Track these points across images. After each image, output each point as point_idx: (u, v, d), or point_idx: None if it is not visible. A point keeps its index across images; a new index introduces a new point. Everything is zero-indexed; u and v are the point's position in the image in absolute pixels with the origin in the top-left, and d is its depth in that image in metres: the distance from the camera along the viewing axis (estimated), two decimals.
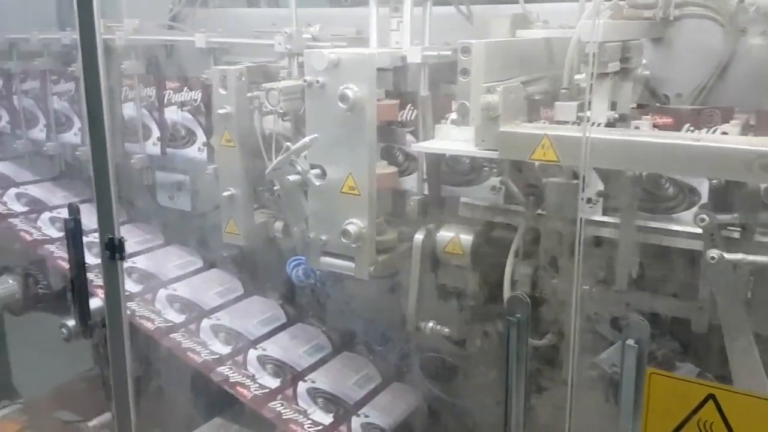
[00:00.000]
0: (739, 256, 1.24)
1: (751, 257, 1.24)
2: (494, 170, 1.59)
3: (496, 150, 1.34)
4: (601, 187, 1.46)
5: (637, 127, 1.31)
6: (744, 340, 1.29)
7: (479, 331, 1.72)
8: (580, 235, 1.21)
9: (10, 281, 2.33)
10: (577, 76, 1.38)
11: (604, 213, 1.48)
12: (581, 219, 1.22)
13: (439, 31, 1.74)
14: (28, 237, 2.28)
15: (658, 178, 1.47)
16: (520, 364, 1.25)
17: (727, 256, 1.24)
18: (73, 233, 1.82)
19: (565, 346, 1.55)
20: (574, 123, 1.39)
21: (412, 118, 1.74)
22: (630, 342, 1.19)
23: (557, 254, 1.50)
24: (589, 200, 1.47)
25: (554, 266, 1.54)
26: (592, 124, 1.30)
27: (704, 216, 1.28)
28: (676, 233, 1.44)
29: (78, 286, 1.86)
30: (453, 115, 1.49)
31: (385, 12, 1.76)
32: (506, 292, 1.52)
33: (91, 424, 2.21)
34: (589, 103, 1.29)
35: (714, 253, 1.24)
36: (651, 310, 1.49)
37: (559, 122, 1.41)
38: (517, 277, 1.56)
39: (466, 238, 1.65)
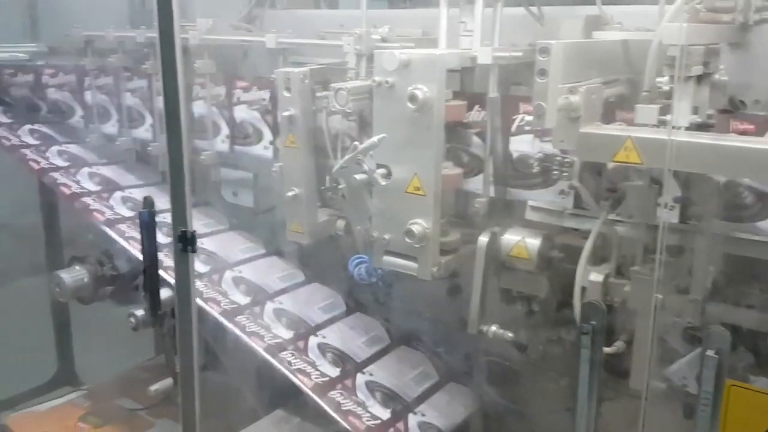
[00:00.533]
0: None
1: None
2: (564, 173, 1.56)
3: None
4: (678, 192, 1.42)
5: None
6: None
7: (543, 337, 1.69)
8: (662, 241, 1.18)
9: (82, 271, 2.41)
10: (658, 79, 1.34)
11: (681, 219, 1.45)
12: (663, 225, 1.19)
13: (507, 32, 1.73)
14: (100, 216, 2.34)
15: (737, 186, 1.43)
16: (593, 373, 1.23)
17: None
18: (148, 226, 1.88)
19: (635, 356, 1.52)
20: (653, 126, 1.36)
21: (480, 119, 1.73)
22: (710, 352, 1.15)
23: (631, 261, 1.47)
24: (665, 205, 1.44)
25: (626, 273, 1.51)
26: (674, 127, 1.26)
27: None
28: (756, 243, 1.40)
29: (150, 277, 1.91)
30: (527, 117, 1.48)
31: (455, 13, 1.76)
32: (576, 299, 1.49)
33: (152, 387, 2.25)
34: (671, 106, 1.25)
35: None
36: (726, 321, 1.44)
37: (638, 125, 1.38)
38: (585, 283, 1.53)
39: (533, 242, 1.63)
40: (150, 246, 1.89)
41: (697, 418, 1.20)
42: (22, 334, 3.06)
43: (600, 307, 1.22)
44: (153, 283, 1.92)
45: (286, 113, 1.84)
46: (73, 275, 2.41)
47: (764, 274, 1.44)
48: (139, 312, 2.08)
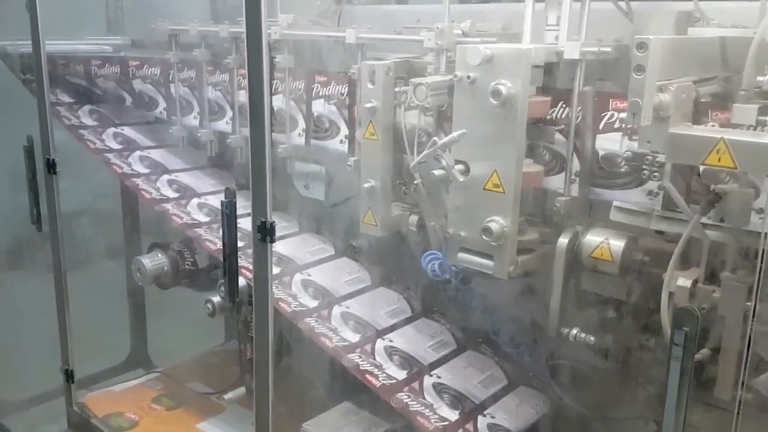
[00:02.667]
0: None
1: None
2: (655, 174, 1.51)
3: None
4: None
5: None
6: None
7: (626, 343, 1.64)
8: (764, 249, 1.13)
9: (162, 258, 2.50)
10: (759, 78, 1.28)
11: None
12: (765, 232, 1.14)
13: (592, 27, 1.68)
14: (178, 220, 2.43)
15: None
16: (683, 381, 1.19)
17: None
18: (228, 215, 1.93)
19: (722, 364, 1.46)
20: (750, 127, 1.30)
21: (563, 116, 1.69)
22: None
23: (721, 266, 1.41)
24: (760, 210, 1.37)
25: (715, 279, 1.45)
26: None
27: None
28: None
29: (229, 265, 1.96)
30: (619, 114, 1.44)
31: (540, 7, 1.72)
32: (664, 304, 1.44)
33: (226, 396, 2.32)
34: None
35: None
36: None
37: (733, 126, 1.32)
38: (672, 288, 1.48)
39: (617, 244, 1.59)
40: (230, 235, 1.94)
41: None
42: (99, 317, 3.21)
43: (694, 314, 1.18)
44: (232, 269, 1.97)
45: (368, 105, 1.85)
46: (154, 261, 2.50)
47: None
48: (216, 299, 2.14)
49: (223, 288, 2.04)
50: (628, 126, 1.38)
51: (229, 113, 2.43)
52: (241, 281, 2.06)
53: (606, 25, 1.72)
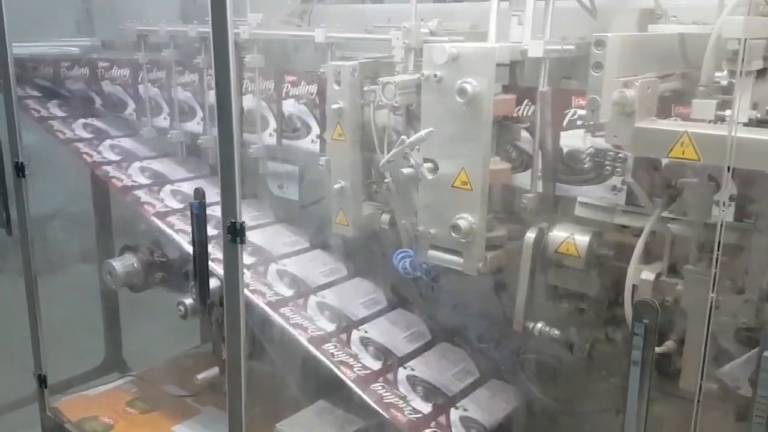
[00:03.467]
0: None
1: None
2: (617, 169, 1.54)
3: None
4: (735, 191, 1.39)
5: None
6: None
7: (591, 336, 1.67)
8: (719, 240, 1.15)
9: (133, 260, 2.48)
10: (717, 74, 1.31)
11: (737, 218, 1.41)
12: (721, 223, 1.16)
13: (557, 25, 1.70)
14: (151, 209, 2.41)
15: None
16: (644, 373, 1.21)
17: None
18: (198, 216, 1.92)
19: (686, 356, 1.49)
20: (710, 122, 1.33)
21: (529, 114, 1.71)
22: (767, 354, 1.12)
23: (684, 259, 1.44)
24: (722, 203, 1.40)
25: (678, 272, 1.48)
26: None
27: None
28: None
29: (200, 267, 1.96)
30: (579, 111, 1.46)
31: (505, 6, 1.74)
32: (627, 298, 1.47)
33: (199, 376, 2.30)
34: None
35: None
36: None
37: (693, 121, 1.35)
38: (635, 281, 1.51)
39: (582, 239, 1.61)
40: (200, 236, 1.93)
41: (751, 421, 1.17)
42: (72, 321, 3.17)
43: (653, 306, 1.20)
44: (202, 272, 1.97)
45: (335, 106, 1.85)
46: (125, 263, 2.48)
47: None
48: (188, 301, 2.13)
49: (194, 289, 2.03)
50: (590, 123, 1.40)
51: (200, 114, 2.42)
52: (214, 282, 2.05)
53: (572, 24, 1.74)
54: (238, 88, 2.08)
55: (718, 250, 1.17)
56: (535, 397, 1.97)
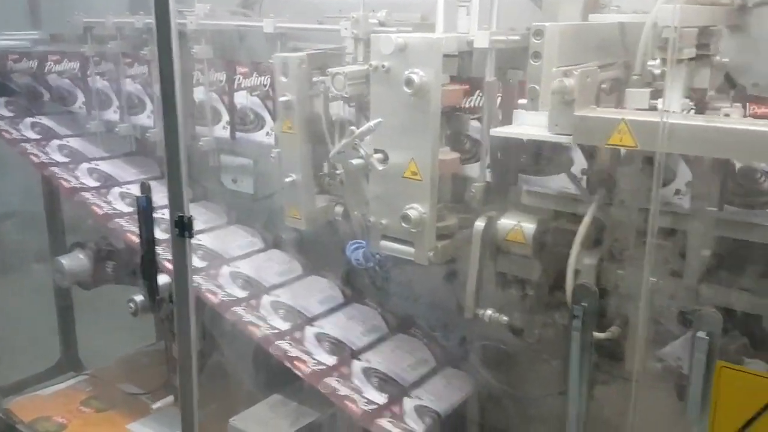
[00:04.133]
0: None
1: None
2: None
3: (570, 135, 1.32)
4: (690, 177, 1.42)
5: (727, 115, 1.26)
6: None
7: (538, 321, 1.70)
8: (653, 225, 1.18)
9: (82, 257, 2.43)
10: (650, 62, 1.34)
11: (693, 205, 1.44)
12: (654, 208, 1.19)
13: (505, 15, 1.72)
14: (99, 211, 2.36)
15: (753, 171, 1.42)
16: (584, 355, 1.24)
17: None
18: (144, 211, 1.89)
19: (629, 339, 1.52)
20: (644, 110, 1.36)
21: (480, 104, 1.72)
22: (701, 334, 1.15)
23: (624, 245, 1.47)
24: (677, 191, 1.43)
25: (620, 257, 1.51)
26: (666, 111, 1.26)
27: None
28: (756, 227, 1.39)
29: (148, 262, 1.93)
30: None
31: None
32: (569, 282, 1.49)
33: (154, 406, 2.29)
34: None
35: None
36: (721, 305, 1.44)
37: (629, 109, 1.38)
38: (579, 267, 1.53)
39: (529, 227, 1.63)
40: (147, 231, 1.90)
41: (688, 399, 1.20)
42: (26, 321, 3.09)
43: (591, 289, 1.23)
44: (151, 268, 1.94)
45: (283, 98, 1.84)
46: (73, 260, 2.43)
47: (759, 257, 1.44)
48: (138, 298, 2.10)
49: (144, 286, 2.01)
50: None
51: (150, 106, 2.38)
52: (165, 278, 2.02)
53: (519, 14, 1.76)
54: (185, 80, 2.04)
55: (652, 235, 1.20)
56: (488, 383, 1.99)
